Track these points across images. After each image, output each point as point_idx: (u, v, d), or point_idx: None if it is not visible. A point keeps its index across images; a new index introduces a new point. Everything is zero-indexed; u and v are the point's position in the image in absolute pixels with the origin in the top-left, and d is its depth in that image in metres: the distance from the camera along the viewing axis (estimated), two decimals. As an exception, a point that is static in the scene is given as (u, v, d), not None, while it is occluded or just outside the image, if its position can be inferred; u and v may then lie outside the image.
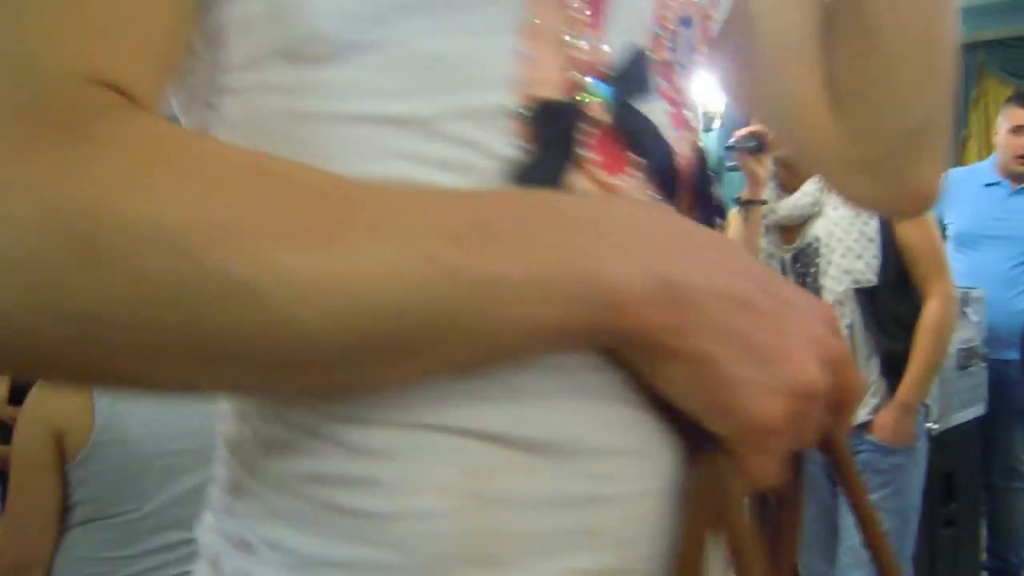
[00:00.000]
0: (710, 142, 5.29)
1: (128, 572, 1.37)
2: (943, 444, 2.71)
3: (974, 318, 2.99)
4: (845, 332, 2.24)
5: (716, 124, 5.60)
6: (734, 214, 2.45)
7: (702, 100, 5.70)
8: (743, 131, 2.28)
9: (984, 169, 3.49)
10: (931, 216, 2.30)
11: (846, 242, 2.22)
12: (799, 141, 0.66)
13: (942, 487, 2.76)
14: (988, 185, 3.41)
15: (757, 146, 2.24)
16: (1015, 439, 3.32)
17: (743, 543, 0.41)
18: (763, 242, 2.35)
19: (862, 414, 2.29)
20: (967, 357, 2.90)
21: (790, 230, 2.35)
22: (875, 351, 2.27)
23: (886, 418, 2.26)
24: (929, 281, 2.24)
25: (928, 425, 2.66)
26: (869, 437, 2.28)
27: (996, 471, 3.28)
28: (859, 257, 2.21)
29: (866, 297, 2.24)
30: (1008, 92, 6.50)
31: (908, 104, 0.61)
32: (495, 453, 0.41)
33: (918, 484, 2.35)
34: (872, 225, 2.22)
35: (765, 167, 2.28)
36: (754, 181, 2.28)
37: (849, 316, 2.24)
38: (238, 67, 0.42)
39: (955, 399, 2.82)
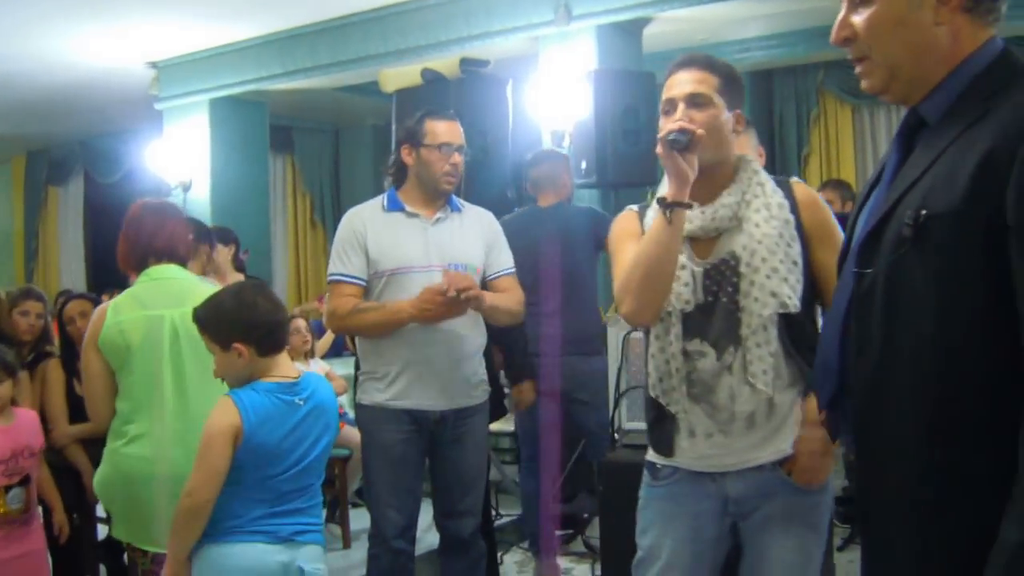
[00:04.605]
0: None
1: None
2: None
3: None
4: (769, 359, 2.06)
5: (566, 143, 5.54)
6: (627, 215, 2.27)
7: (551, 116, 5.56)
8: (673, 125, 2.02)
9: None
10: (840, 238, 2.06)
11: (771, 263, 2.06)
12: None
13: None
14: None
15: (687, 143, 2.00)
16: None
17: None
18: None
19: (781, 449, 2.09)
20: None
21: (702, 243, 2.14)
22: (798, 379, 2.10)
23: (808, 450, 2.06)
24: None
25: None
26: (787, 478, 2.09)
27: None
28: (784, 280, 2.06)
29: (786, 322, 2.07)
30: (847, 110, 6.69)
31: None
32: None
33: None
34: (796, 248, 2.09)
35: (693, 168, 2.03)
36: (681, 181, 2.01)
37: (774, 342, 2.07)
38: None
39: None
